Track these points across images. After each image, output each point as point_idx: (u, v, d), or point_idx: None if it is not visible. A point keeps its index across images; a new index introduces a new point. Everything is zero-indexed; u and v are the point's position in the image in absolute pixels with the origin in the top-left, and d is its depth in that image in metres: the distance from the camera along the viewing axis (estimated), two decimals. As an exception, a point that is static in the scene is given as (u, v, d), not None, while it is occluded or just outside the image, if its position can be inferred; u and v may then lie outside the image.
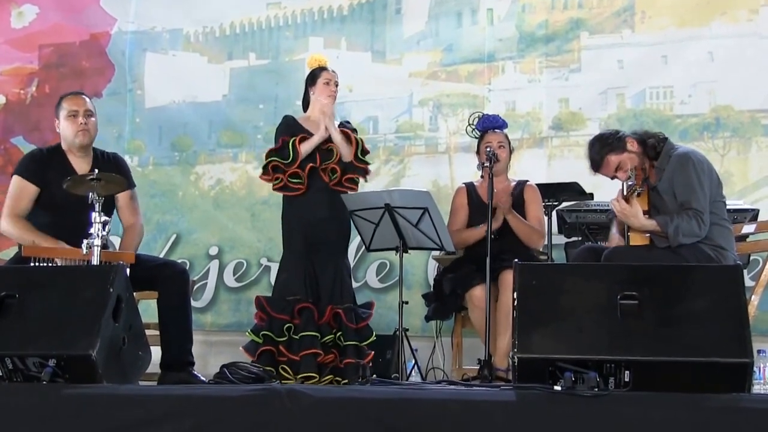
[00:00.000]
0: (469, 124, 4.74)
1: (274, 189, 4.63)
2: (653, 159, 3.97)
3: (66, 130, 4.30)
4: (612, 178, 4.04)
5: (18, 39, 6.76)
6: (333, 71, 4.68)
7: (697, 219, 3.77)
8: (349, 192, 4.60)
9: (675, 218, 3.79)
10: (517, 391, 2.79)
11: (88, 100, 4.40)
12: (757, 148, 5.37)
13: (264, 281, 5.99)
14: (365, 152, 4.64)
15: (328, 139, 4.58)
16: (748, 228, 4.26)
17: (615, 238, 4.12)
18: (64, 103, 4.35)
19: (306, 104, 4.74)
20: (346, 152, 4.55)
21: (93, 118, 4.33)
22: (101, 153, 4.44)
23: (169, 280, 4.15)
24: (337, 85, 4.65)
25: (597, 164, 4.01)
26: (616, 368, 2.78)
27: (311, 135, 4.55)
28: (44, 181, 4.23)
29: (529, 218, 4.61)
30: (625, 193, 3.84)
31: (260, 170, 4.68)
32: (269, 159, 4.57)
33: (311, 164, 4.53)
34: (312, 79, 4.68)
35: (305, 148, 4.51)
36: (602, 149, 3.98)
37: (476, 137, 4.73)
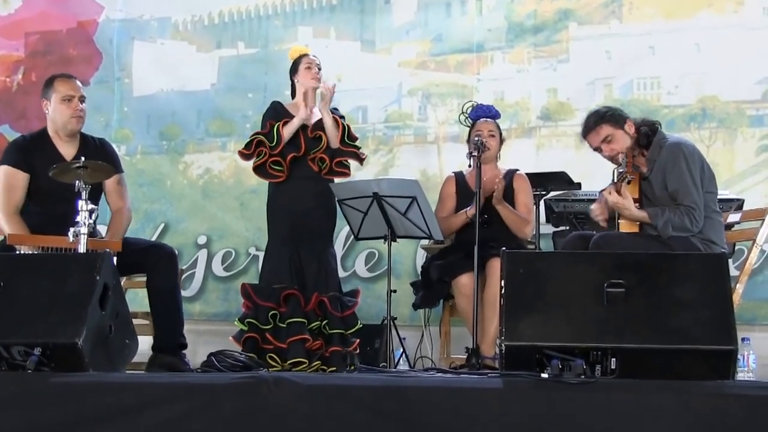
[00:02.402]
0: (462, 113, 4.75)
1: (254, 169, 4.59)
2: (644, 147, 3.97)
3: (58, 113, 4.25)
4: (595, 149, 4.03)
5: (4, 26, 6.71)
6: (314, 56, 4.68)
7: (689, 215, 3.78)
8: (342, 176, 4.61)
9: (666, 211, 3.79)
10: (505, 379, 2.81)
11: (80, 84, 4.36)
12: (742, 138, 5.39)
13: (252, 270, 5.98)
14: (353, 138, 4.64)
15: (316, 127, 4.59)
16: (733, 217, 4.28)
17: (597, 210, 4.09)
18: (57, 85, 4.28)
19: (293, 94, 4.75)
20: (333, 137, 4.55)
21: (85, 104, 4.30)
22: (89, 138, 4.41)
23: (158, 262, 4.14)
24: (320, 69, 4.64)
25: (589, 129, 4.00)
26: (603, 355, 2.81)
27: None
28: (31, 168, 4.20)
29: (518, 207, 4.63)
30: (615, 179, 3.84)
31: (250, 160, 4.66)
32: (254, 135, 4.57)
33: (294, 153, 4.53)
34: (294, 67, 4.68)
35: (287, 131, 4.51)
36: (601, 117, 3.99)
37: (468, 126, 4.74)
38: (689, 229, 3.79)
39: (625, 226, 3.90)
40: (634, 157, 3.96)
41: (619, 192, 3.82)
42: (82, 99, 4.28)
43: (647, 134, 3.97)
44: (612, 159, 4.00)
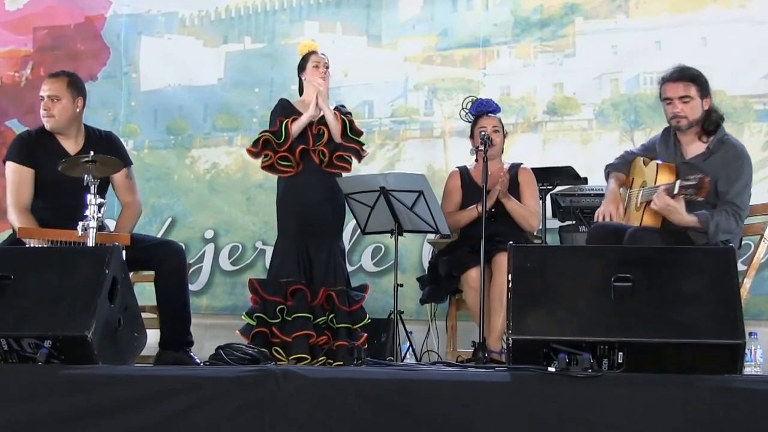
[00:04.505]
0: (463, 108, 4.76)
1: (262, 167, 4.63)
2: (704, 132, 3.92)
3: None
4: (665, 99, 3.93)
5: (12, 21, 6.73)
6: (322, 54, 4.69)
7: (735, 216, 3.78)
8: (342, 171, 4.62)
9: (715, 215, 3.77)
10: (512, 373, 2.80)
11: (58, 81, 4.30)
12: (749, 133, 5.37)
13: (259, 265, 6.00)
14: (357, 132, 4.65)
15: (320, 122, 4.61)
16: (743, 214, 4.28)
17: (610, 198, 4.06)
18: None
19: (301, 90, 4.78)
20: (334, 131, 4.57)
21: (61, 101, 4.25)
22: (94, 132, 4.41)
23: (166, 260, 4.16)
24: (327, 68, 4.66)
25: (677, 78, 3.90)
26: (610, 350, 2.80)
27: None
28: (35, 162, 4.22)
29: (524, 201, 4.64)
30: (675, 191, 3.70)
31: (258, 158, 4.68)
32: (261, 134, 4.59)
33: (302, 146, 4.55)
34: (302, 64, 4.70)
35: (295, 128, 4.54)
36: (696, 78, 3.91)
37: (469, 121, 4.75)
38: (733, 231, 3.80)
39: (648, 221, 3.87)
40: (687, 122, 3.89)
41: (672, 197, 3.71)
42: (52, 98, 4.25)
43: (714, 121, 3.92)
44: (674, 118, 3.92)
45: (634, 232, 3.80)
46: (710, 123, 3.93)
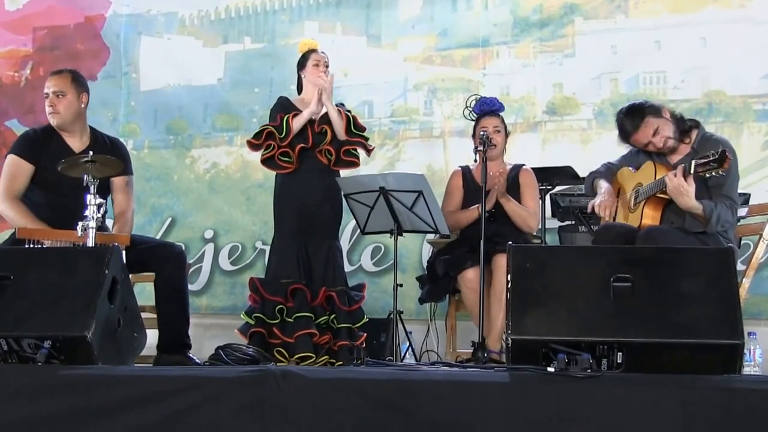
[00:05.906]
0: (467, 107, 4.75)
1: (261, 160, 4.62)
2: (682, 132, 3.93)
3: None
4: (645, 145, 3.93)
5: (12, 21, 6.75)
6: (323, 53, 4.69)
7: (732, 210, 3.83)
8: (352, 166, 4.64)
9: (718, 205, 3.77)
10: (511, 373, 2.80)
11: (62, 77, 4.31)
12: (748, 133, 5.39)
13: (259, 264, 6.01)
14: (360, 128, 4.66)
15: (322, 121, 4.61)
16: (739, 212, 4.28)
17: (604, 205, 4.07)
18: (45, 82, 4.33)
19: (300, 88, 4.77)
20: (339, 129, 4.57)
21: (66, 96, 4.26)
22: (101, 135, 4.42)
23: (166, 262, 4.15)
24: (327, 66, 4.66)
25: (635, 127, 3.88)
26: (609, 350, 2.80)
27: None
28: (38, 160, 4.21)
29: (524, 202, 4.63)
30: (691, 170, 3.64)
31: (257, 154, 4.68)
32: (265, 126, 4.59)
33: (302, 144, 4.55)
34: (302, 62, 4.70)
35: (296, 123, 4.54)
36: (642, 111, 3.89)
37: (473, 119, 4.75)
38: (730, 223, 3.84)
39: (648, 218, 3.87)
40: (672, 140, 3.91)
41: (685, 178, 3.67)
42: (57, 93, 4.26)
43: (681, 118, 3.93)
44: (661, 150, 3.93)
45: (647, 232, 3.76)
46: (681, 123, 3.94)
